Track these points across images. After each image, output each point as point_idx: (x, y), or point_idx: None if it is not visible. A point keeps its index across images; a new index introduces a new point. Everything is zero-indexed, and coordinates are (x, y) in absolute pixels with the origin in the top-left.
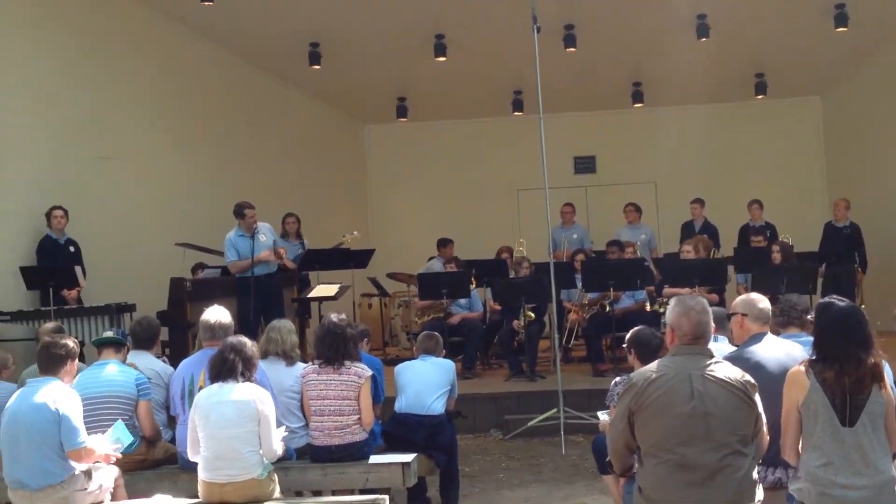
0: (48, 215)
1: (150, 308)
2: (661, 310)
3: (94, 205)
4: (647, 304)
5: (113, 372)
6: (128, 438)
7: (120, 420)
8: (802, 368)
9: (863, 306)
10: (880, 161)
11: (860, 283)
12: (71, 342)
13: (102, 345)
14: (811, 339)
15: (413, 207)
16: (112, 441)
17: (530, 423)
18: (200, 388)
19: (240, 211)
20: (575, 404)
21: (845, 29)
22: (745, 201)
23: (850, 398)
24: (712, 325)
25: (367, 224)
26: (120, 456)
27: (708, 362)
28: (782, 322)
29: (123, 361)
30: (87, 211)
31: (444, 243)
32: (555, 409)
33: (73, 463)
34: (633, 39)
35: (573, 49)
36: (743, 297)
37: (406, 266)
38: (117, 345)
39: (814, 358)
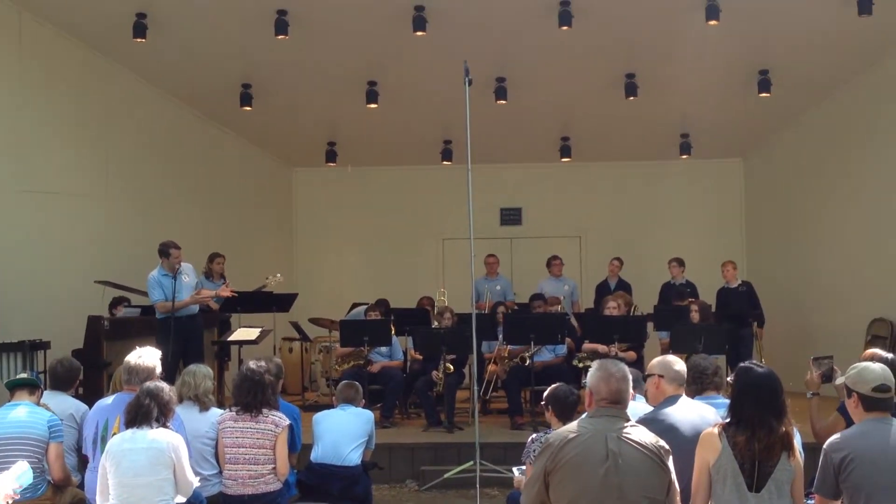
0: None
1: (66, 346)
2: (581, 365)
3: (7, 238)
4: (566, 358)
5: (22, 413)
6: (27, 480)
7: (24, 461)
8: (716, 431)
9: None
10: (797, 224)
11: (760, 339)
12: None
13: (15, 386)
14: (727, 401)
15: (338, 253)
16: (15, 479)
17: (446, 475)
18: (114, 434)
19: (165, 250)
20: (492, 457)
21: (768, 94)
22: (667, 259)
23: (759, 464)
24: (631, 391)
25: (292, 268)
26: (17, 496)
27: (624, 425)
28: (696, 389)
29: (37, 403)
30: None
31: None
32: (471, 462)
33: None
34: (562, 95)
35: (503, 102)
36: (660, 358)
37: (329, 312)
38: (31, 386)
39: (728, 421)
